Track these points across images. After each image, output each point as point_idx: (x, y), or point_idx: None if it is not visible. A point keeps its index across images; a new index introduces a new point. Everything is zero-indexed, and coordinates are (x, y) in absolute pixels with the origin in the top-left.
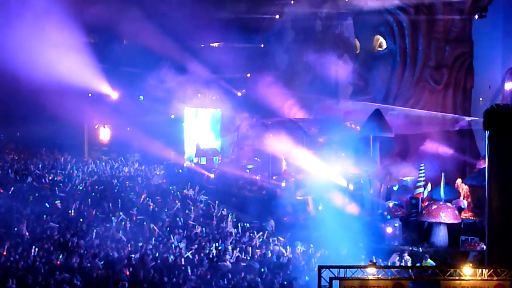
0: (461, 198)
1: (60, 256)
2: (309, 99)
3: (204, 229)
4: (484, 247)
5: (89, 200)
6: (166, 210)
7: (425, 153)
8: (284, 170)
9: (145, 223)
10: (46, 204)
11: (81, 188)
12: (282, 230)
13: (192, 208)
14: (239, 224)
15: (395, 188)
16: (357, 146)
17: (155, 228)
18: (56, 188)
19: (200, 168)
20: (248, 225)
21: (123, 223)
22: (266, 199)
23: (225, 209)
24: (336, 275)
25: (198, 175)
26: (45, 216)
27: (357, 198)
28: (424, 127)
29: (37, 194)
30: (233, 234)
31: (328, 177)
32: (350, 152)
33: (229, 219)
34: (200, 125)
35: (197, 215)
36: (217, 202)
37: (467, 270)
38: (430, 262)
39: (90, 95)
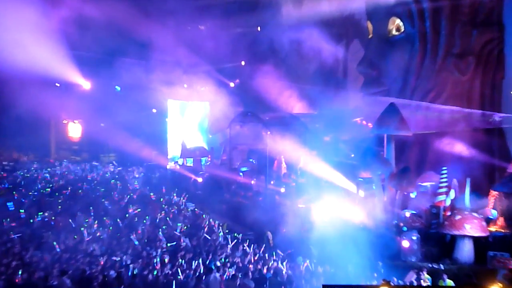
0: (490, 207)
1: (21, 273)
2: (313, 91)
3: (190, 241)
4: None
5: (57, 207)
6: (146, 219)
7: (448, 155)
8: (284, 174)
9: (119, 234)
10: (5, 212)
11: (46, 193)
12: (281, 243)
13: (177, 217)
14: (231, 236)
15: (412, 195)
16: (369, 147)
17: (134, 240)
18: (15, 193)
19: (186, 170)
20: (241, 237)
21: (96, 234)
22: (263, 207)
23: (215, 219)
24: None
25: (183, 179)
26: (4, 226)
27: (368, 206)
28: (447, 124)
29: None
30: (224, 247)
31: (334, 182)
32: (360, 153)
33: (220, 230)
34: (186, 120)
35: (182, 225)
36: (205, 210)
37: None
38: (450, 282)
39: (57, 85)
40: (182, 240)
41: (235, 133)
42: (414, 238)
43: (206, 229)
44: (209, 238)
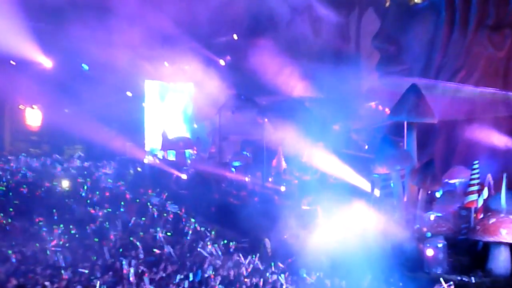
0: None
1: None
2: (319, 70)
3: (172, 250)
4: None
5: (10, 209)
6: (119, 223)
7: (481, 146)
8: (284, 169)
9: (87, 242)
10: None
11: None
12: (281, 253)
13: (157, 221)
14: (221, 244)
15: (438, 195)
16: (386, 137)
17: (104, 248)
18: None
19: (167, 165)
20: (234, 244)
21: (60, 241)
22: (259, 209)
23: (202, 224)
24: None
25: (164, 176)
26: None
27: (385, 208)
28: (479, 110)
29: None
30: (214, 257)
31: (345, 179)
32: (375, 145)
33: (208, 236)
34: (167, 106)
35: (163, 230)
36: (191, 213)
37: None
38: None
39: (12, 63)
40: (163, 249)
41: (225, 121)
42: (440, 245)
43: (191, 235)
44: (195, 246)
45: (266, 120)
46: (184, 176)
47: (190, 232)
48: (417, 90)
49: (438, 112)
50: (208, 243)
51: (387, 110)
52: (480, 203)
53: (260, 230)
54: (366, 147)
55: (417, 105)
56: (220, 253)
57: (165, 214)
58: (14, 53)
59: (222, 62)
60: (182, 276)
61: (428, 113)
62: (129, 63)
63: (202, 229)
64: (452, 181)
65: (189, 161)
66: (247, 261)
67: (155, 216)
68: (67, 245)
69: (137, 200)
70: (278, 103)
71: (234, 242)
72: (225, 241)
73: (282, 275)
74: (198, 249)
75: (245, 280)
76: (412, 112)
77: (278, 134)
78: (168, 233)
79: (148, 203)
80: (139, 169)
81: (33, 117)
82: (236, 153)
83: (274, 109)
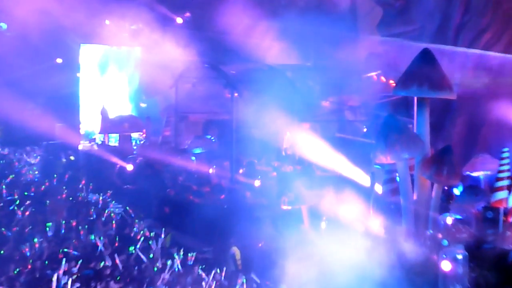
0: None
1: None
2: (305, 31)
3: (115, 262)
4: None
5: None
6: (47, 227)
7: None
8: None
9: (3, 251)
10: None
11: None
12: (254, 265)
13: (95, 224)
14: (177, 254)
15: (457, 191)
16: (390, 116)
17: (27, 259)
18: None
19: (108, 153)
20: (194, 255)
21: None
22: (227, 209)
23: (153, 228)
24: None
25: (104, 166)
26: None
27: (389, 208)
28: (510, 83)
29: None
30: (167, 271)
31: (337, 171)
32: (376, 127)
33: (160, 244)
34: (109, 77)
35: (103, 236)
36: (138, 214)
37: None
38: None
39: None
40: (105, 261)
41: (184, 96)
42: (459, 257)
43: (139, 243)
44: (143, 257)
45: (236, 94)
46: (129, 167)
47: (138, 238)
48: (430, 57)
49: (457, 85)
50: (160, 252)
51: (391, 82)
52: (511, 202)
53: (228, 236)
54: (365, 129)
55: (430, 75)
56: (176, 265)
57: (106, 216)
58: None
59: (179, 20)
60: None
61: (444, 86)
62: (59, 21)
63: (153, 234)
64: (475, 174)
65: (136, 148)
66: (211, 276)
67: (94, 218)
68: None
69: (70, 198)
70: (251, 72)
71: (194, 252)
72: (183, 251)
73: None
74: (148, 261)
75: None
76: (424, 84)
77: (251, 113)
78: (109, 240)
79: (85, 202)
80: (72, 157)
81: None
82: (197, 137)
83: (246, 81)
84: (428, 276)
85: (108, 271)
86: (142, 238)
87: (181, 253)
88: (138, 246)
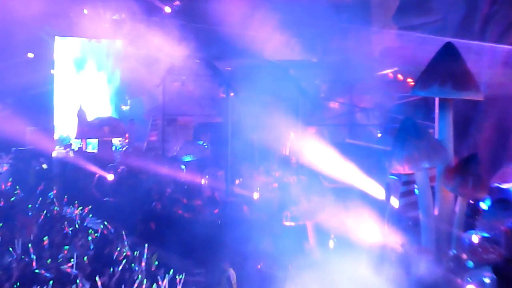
0: None
1: None
2: (310, 23)
3: (94, 285)
4: None
5: None
6: (15, 245)
7: None
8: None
9: None
10: None
11: None
12: None
13: (71, 242)
14: (165, 276)
15: (484, 206)
16: (408, 120)
17: None
18: None
19: (86, 161)
20: (183, 277)
21: None
22: (221, 225)
23: (137, 247)
24: None
25: (82, 176)
26: None
27: (406, 225)
28: None
29: None
30: None
31: (348, 182)
32: (392, 132)
33: (145, 265)
34: (87, 74)
35: (80, 256)
36: (120, 230)
37: None
38: None
39: None
40: (79, 284)
41: (172, 96)
42: (487, 280)
43: (121, 264)
44: (127, 279)
45: (231, 94)
46: (110, 177)
47: (120, 259)
48: (453, 52)
49: (485, 84)
50: (144, 273)
51: (410, 80)
52: None
53: (222, 257)
54: (379, 135)
55: (453, 73)
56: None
57: (82, 233)
58: None
59: (167, 10)
60: None
61: (470, 85)
62: (31, 10)
63: (137, 254)
64: (504, 186)
65: (118, 155)
66: None
67: (69, 235)
68: None
69: (44, 212)
70: (249, 69)
71: (183, 274)
72: (171, 272)
73: None
74: (131, 284)
75: None
76: (447, 83)
77: (249, 115)
78: (86, 260)
79: (59, 217)
80: (45, 166)
81: None
82: (188, 143)
83: (243, 78)
84: None
85: None
86: (124, 259)
87: (169, 275)
88: (119, 267)
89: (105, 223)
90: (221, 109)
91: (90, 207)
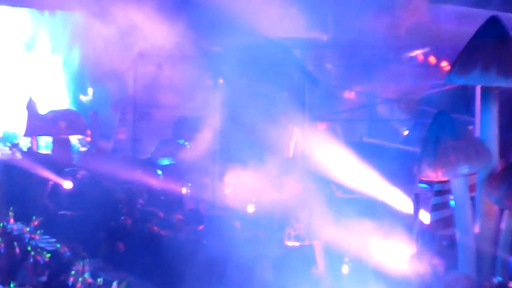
0: None
1: None
2: None
3: None
4: None
5: None
6: None
7: None
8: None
9: None
10: None
11: None
12: None
13: (18, 265)
14: None
15: None
16: (442, 114)
17: None
18: None
19: (37, 164)
20: None
21: None
22: (207, 245)
23: (100, 272)
24: None
25: (32, 183)
26: None
27: (439, 245)
28: None
29: None
30: None
31: (366, 191)
32: (423, 129)
33: None
34: (38, 54)
35: (29, 284)
36: (80, 251)
37: None
38: None
39: None
40: None
41: (146, 83)
42: None
43: None
44: None
45: (220, 80)
46: (67, 184)
47: (80, 285)
48: (500, 29)
49: None
50: None
51: (444, 65)
52: None
53: (208, 285)
54: (406, 132)
55: (499, 55)
56: None
57: (33, 254)
58: None
59: None
60: None
61: None
62: None
63: (101, 282)
64: None
65: (77, 157)
66: None
67: (16, 257)
68: None
69: None
70: (242, 50)
71: None
72: None
73: None
74: None
75: None
76: (491, 68)
77: (243, 107)
78: None
79: (3, 234)
80: None
81: None
82: (165, 142)
83: (234, 61)
84: None
85: None
86: (85, 285)
87: None
88: None
89: (60, 243)
90: (207, 99)
91: (41, 221)
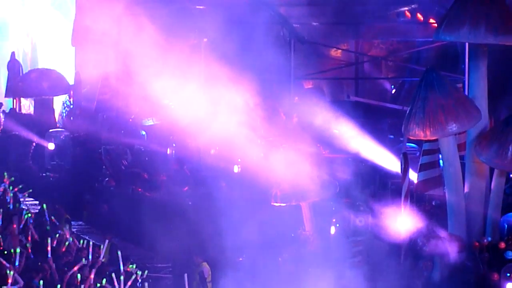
0: None
1: None
2: None
3: (28, 278)
4: None
5: None
6: None
7: None
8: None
9: None
10: None
11: None
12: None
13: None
14: (121, 271)
15: None
16: (431, 72)
17: None
18: None
19: (19, 126)
20: (145, 273)
21: None
22: (192, 206)
23: (84, 233)
24: None
25: (14, 145)
26: None
27: (429, 205)
28: None
29: None
30: None
31: (353, 149)
32: (411, 88)
33: (95, 257)
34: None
35: (12, 247)
36: (63, 213)
37: None
38: None
39: None
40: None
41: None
42: None
43: (65, 254)
44: (72, 276)
45: (205, 39)
46: (51, 146)
47: (64, 250)
48: None
49: None
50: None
51: (432, 21)
52: None
53: (194, 247)
54: (394, 91)
55: (488, 13)
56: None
57: (15, 216)
58: None
59: None
60: None
61: (509, 27)
62: None
63: (84, 244)
64: None
65: (61, 119)
66: None
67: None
68: None
69: None
70: (226, 8)
71: (144, 270)
72: (131, 266)
73: None
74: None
75: None
76: (480, 25)
77: (227, 65)
78: (19, 250)
79: None
80: None
81: None
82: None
83: (219, 19)
84: None
85: None
86: (68, 248)
87: (126, 270)
88: (69, 258)
89: (44, 205)
90: (192, 58)
91: (25, 184)
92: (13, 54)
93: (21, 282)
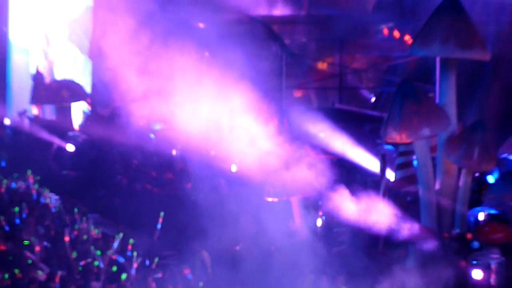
0: None
1: None
2: None
3: (52, 271)
4: None
5: None
6: None
7: None
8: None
9: None
10: None
11: None
12: (228, 274)
13: (26, 218)
14: (131, 257)
15: (491, 179)
16: (405, 82)
17: None
18: None
19: (42, 130)
20: (155, 262)
21: None
22: (195, 202)
23: (98, 224)
24: None
25: (37, 147)
26: None
27: (404, 200)
28: None
29: None
30: (117, 279)
31: (337, 151)
32: (388, 96)
33: (109, 246)
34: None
35: (35, 238)
36: (80, 207)
37: None
38: None
39: None
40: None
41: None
42: (494, 264)
43: (81, 244)
44: (88, 263)
45: (206, 53)
46: (70, 148)
47: (80, 238)
48: (456, 5)
49: (492, 41)
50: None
51: (407, 38)
52: None
53: (196, 237)
54: (373, 99)
55: (456, 29)
56: (129, 270)
57: (37, 209)
58: None
59: None
60: None
61: (475, 43)
62: None
63: (100, 234)
64: None
65: (78, 123)
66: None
67: (24, 210)
68: None
69: None
70: (225, 25)
71: (153, 257)
72: (138, 255)
73: None
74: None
75: None
76: (450, 41)
77: (226, 75)
78: (40, 238)
79: (10, 192)
80: None
81: None
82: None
83: (219, 35)
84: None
85: (39, 283)
86: (84, 238)
87: (136, 258)
88: (78, 248)
89: (65, 200)
90: (192, 68)
91: (47, 180)
92: (37, 67)
93: (46, 270)
